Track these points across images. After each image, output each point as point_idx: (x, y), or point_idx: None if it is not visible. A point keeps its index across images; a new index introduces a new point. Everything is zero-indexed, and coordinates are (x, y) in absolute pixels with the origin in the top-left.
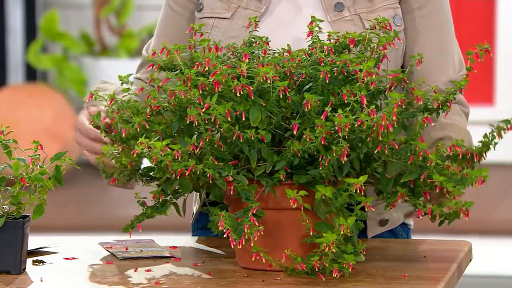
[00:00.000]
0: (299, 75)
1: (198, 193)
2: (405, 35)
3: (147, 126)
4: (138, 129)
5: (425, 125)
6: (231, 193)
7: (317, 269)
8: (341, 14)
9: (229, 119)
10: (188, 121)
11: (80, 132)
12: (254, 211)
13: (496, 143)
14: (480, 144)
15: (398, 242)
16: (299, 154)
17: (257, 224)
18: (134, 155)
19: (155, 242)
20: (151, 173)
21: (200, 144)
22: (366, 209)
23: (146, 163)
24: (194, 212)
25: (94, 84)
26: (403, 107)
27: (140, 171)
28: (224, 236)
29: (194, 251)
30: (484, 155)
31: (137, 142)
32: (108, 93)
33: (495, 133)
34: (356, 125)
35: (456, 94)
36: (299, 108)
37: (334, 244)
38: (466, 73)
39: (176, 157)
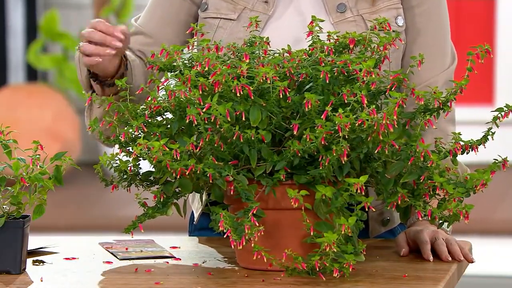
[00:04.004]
0: (299, 75)
1: (198, 195)
2: (405, 34)
3: (146, 129)
4: (137, 132)
5: (426, 127)
6: (231, 193)
7: (318, 269)
8: (344, 15)
9: (229, 119)
10: (187, 121)
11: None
12: (254, 211)
13: (493, 133)
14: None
15: None
16: (299, 154)
17: (257, 224)
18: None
19: (155, 242)
20: (151, 177)
21: (200, 144)
22: (366, 209)
23: (145, 167)
24: (196, 213)
25: None
26: (404, 106)
27: (140, 176)
28: (225, 236)
29: (194, 251)
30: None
31: (136, 143)
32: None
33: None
34: (356, 125)
35: (456, 94)
36: (299, 108)
37: (335, 243)
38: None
39: (175, 157)
